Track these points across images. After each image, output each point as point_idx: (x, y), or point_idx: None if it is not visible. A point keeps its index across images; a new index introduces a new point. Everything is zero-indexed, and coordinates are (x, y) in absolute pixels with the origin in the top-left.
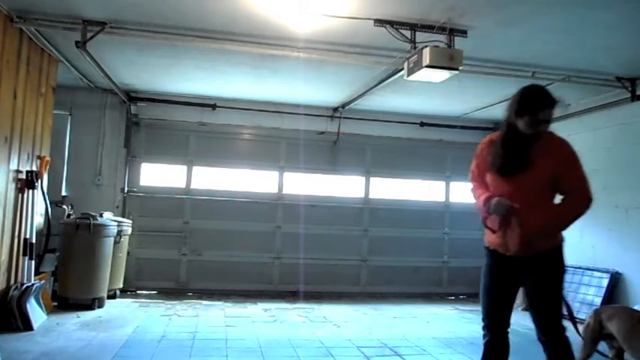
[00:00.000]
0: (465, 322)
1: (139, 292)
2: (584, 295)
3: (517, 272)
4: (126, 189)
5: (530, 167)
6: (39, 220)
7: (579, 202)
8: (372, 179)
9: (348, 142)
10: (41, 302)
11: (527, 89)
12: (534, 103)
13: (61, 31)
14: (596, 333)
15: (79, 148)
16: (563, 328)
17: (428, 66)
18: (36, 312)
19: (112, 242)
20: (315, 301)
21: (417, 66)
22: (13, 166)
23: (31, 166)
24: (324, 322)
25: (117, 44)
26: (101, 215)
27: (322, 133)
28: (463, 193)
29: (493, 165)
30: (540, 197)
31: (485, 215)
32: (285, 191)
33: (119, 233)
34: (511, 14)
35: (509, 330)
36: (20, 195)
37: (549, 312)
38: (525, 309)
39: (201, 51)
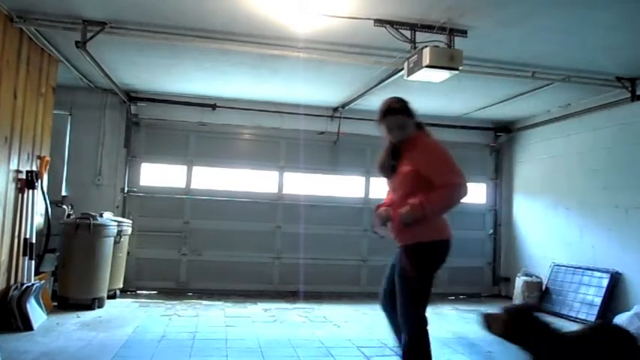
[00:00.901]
0: (464, 322)
1: (139, 292)
2: (584, 295)
3: None
4: (126, 189)
5: (399, 168)
6: (39, 220)
7: (443, 194)
8: (372, 179)
9: (348, 142)
10: (41, 302)
11: (383, 101)
12: (381, 112)
13: (61, 31)
14: None
15: (79, 148)
16: (411, 319)
17: (428, 66)
18: (36, 312)
19: (112, 242)
20: (315, 301)
21: (417, 66)
22: (13, 166)
23: (31, 166)
24: (324, 322)
25: (117, 44)
26: (101, 215)
27: (322, 133)
28: None
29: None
30: (410, 194)
31: (373, 223)
32: (285, 191)
33: (119, 233)
34: (511, 14)
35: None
36: (20, 195)
37: (399, 299)
38: None
39: (201, 51)
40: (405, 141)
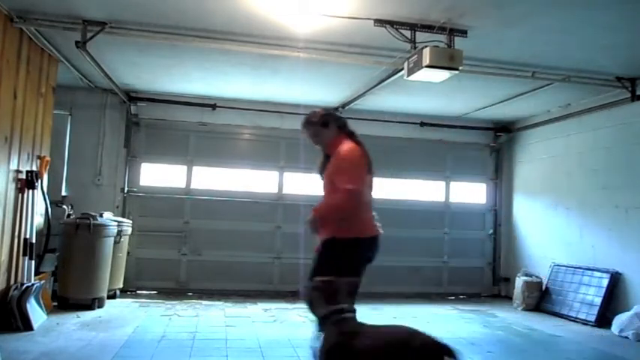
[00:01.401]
0: (464, 322)
1: (139, 292)
2: (584, 295)
3: None
4: (126, 189)
5: (324, 172)
6: (39, 220)
7: (338, 197)
8: (372, 179)
9: None
10: (41, 302)
11: None
12: (301, 124)
13: (61, 31)
14: None
15: (79, 148)
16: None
17: (428, 66)
18: (36, 312)
19: (112, 242)
20: None
21: (417, 66)
22: (13, 166)
23: (31, 166)
24: None
25: (117, 44)
26: (101, 215)
27: None
28: (463, 193)
29: None
30: (328, 194)
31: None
32: (285, 191)
33: (119, 233)
34: (511, 14)
35: None
36: (20, 195)
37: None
38: (524, 309)
39: (201, 51)
40: (328, 147)
